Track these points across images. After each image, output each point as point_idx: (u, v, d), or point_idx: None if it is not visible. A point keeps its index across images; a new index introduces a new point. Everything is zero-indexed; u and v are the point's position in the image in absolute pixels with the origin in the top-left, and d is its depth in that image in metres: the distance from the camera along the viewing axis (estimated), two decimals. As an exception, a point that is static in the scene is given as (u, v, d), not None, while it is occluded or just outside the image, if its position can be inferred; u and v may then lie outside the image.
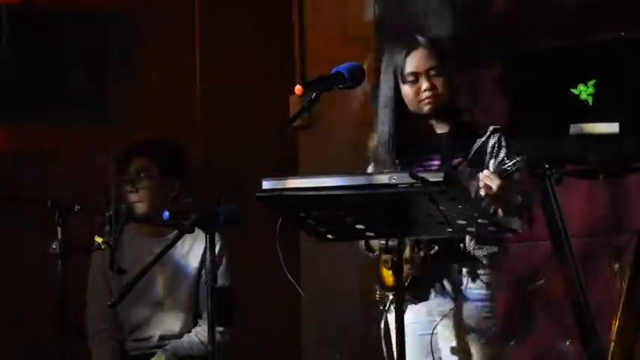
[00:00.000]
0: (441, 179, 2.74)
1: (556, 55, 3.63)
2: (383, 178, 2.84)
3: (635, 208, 3.87)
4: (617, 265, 3.74)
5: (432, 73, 3.50)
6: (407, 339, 3.46)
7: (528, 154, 3.55)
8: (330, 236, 3.14)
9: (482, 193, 3.27)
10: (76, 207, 3.73)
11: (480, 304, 3.51)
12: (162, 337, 4.15)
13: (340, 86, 3.29)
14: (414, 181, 2.74)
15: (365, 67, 3.33)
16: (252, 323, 4.43)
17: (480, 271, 3.52)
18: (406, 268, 3.45)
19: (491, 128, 3.52)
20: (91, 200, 4.02)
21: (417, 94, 3.51)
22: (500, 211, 3.33)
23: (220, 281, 3.95)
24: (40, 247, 3.65)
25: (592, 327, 3.72)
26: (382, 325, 3.56)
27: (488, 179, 3.27)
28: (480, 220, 2.92)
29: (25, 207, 4.26)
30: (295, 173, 5.24)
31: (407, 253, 3.42)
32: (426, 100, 3.51)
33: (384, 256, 3.45)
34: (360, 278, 5.23)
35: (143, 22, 5.12)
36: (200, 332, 4.13)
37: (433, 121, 3.56)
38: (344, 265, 5.20)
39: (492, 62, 3.94)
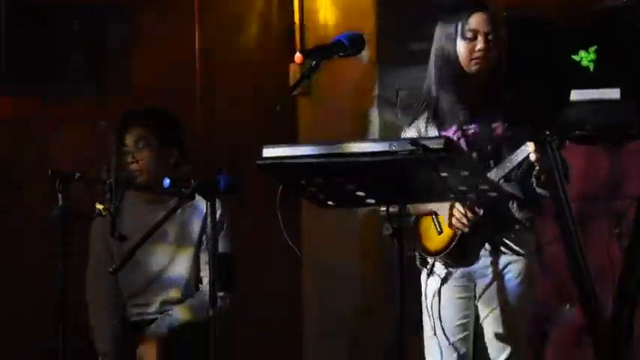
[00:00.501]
0: (441, 146, 2.71)
1: (558, 22, 3.60)
2: (383, 146, 2.80)
3: (634, 175, 3.85)
4: (617, 231, 3.73)
5: (490, 37, 3.59)
6: (446, 302, 3.67)
7: (530, 120, 3.56)
8: (330, 203, 3.11)
9: (532, 158, 3.38)
10: (77, 175, 3.71)
11: (518, 267, 3.61)
12: (163, 303, 4.13)
13: (340, 54, 3.28)
14: (415, 148, 2.71)
15: (364, 36, 3.31)
16: (252, 291, 4.42)
17: (522, 234, 3.62)
18: (451, 229, 3.58)
19: None
20: (92, 169, 4.01)
21: (471, 52, 3.60)
22: (543, 176, 3.44)
23: (221, 248, 3.95)
24: (41, 247, 3.63)
25: (592, 291, 3.71)
26: (423, 289, 3.70)
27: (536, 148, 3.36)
28: (480, 187, 2.90)
29: (26, 178, 4.24)
30: (295, 141, 5.22)
31: (457, 211, 3.52)
32: (478, 60, 3.60)
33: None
34: (359, 248, 5.24)
35: (142, 5, 5.09)
36: (202, 298, 4.10)
37: (480, 85, 3.62)
38: (344, 236, 5.20)
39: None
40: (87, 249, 4.18)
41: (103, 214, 3.76)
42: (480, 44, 3.59)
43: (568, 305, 4.44)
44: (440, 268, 3.70)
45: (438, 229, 3.65)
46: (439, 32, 3.67)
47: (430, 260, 3.70)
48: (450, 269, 3.68)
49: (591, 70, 3.51)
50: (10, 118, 4.67)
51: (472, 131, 3.62)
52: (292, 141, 5.18)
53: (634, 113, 3.57)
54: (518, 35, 3.67)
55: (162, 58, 5.04)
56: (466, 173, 2.82)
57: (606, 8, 3.85)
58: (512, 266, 3.62)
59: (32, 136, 4.65)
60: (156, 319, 4.10)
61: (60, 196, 3.53)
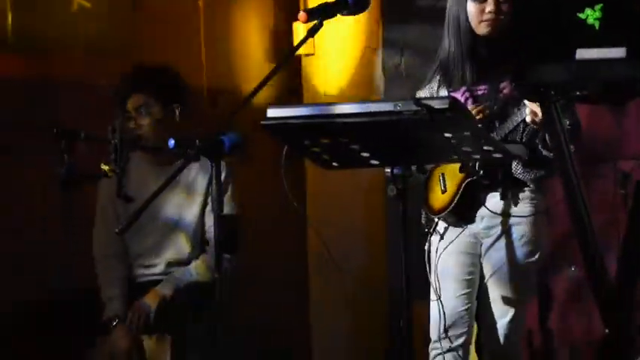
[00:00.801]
0: (446, 106, 2.72)
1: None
2: (388, 106, 2.80)
3: (637, 134, 3.84)
4: (622, 192, 3.73)
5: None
6: (451, 257, 3.70)
7: (534, 79, 3.53)
8: (335, 164, 3.12)
9: (528, 119, 3.41)
10: (82, 134, 3.71)
11: (523, 229, 3.63)
12: (169, 264, 4.14)
13: (344, 12, 3.26)
14: (419, 108, 2.70)
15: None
16: (258, 250, 4.43)
17: (527, 195, 3.63)
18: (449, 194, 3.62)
19: None
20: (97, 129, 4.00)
21: (480, 13, 3.61)
22: (547, 136, 3.43)
23: (226, 209, 3.93)
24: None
25: (596, 253, 3.70)
26: (427, 247, 3.73)
27: (535, 110, 3.37)
28: (485, 147, 2.90)
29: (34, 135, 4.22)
30: (300, 101, 5.21)
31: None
32: (488, 22, 3.61)
33: (453, 183, 3.63)
34: (363, 207, 5.25)
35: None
36: (207, 259, 4.11)
37: (489, 47, 3.63)
38: (349, 197, 5.21)
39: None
40: (93, 209, 4.18)
41: (109, 174, 3.76)
42: (489, 6, 3.59)
43: (573, 267, 4.44)
44: (444, 228, 3.73)
45: (442, 188, 3.67)
46: None
47: (435, 219, 3.73)
48: (456, 228, 3.70)
49: (596, 28, 3.47)
50: (20, 77, 4.66)
51: (480, 92, 3.63)
52: (297, 101, 5.17)
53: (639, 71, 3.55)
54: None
55: (166, 17, 5.01)
56: (469, 134, 2.82)
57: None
58: (516, 228, 3.64)
59: (40, 95, 4.63)
60: (161, 280, 4.11)
61: (65, 156, 3.52)
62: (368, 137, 2.90)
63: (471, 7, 3.62)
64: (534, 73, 3.58)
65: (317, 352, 5.40)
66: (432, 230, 3.73)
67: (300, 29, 5.14)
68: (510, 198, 3.62)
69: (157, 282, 4.10)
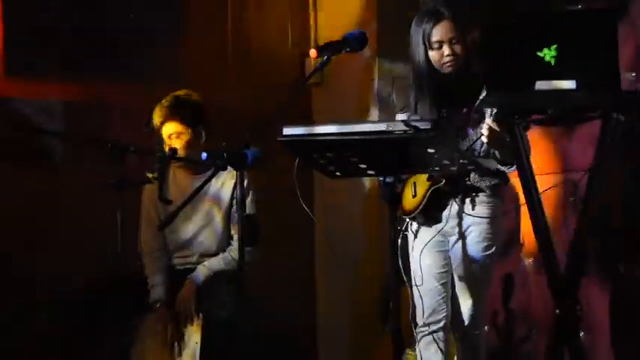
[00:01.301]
0: (429, 127, 2.74)
1: (526, 24, 3.59)
2: (382, 126, 2.82)
3: (585, 151, 3.86)
4: (572, 199, 3.73)
5: (454, 41, 3.53)
6: (426, 254, 3.63)
7: (501, 105, 3.55)
8: (338, 174, 3.13)
9: (484, 139, 3.31)
10: (131, 148, 3.73)
11: (481, 228, 3.57)
12: (202, 255, 4.17)
13: (347, 49, 3.29)
14: (407, 128, 2.74)
15: (367, 34, 3.32)
16: (272, 245, 4.43)
17: (484, 199, 3.57)
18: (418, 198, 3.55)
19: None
20: (143, 143, 4.04)
21: (440, 59, 3.54)
22: (497, 152, 3.39)
23: (248, 210, 3.99)
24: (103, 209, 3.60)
25: (551, 251, 3.72)
26: (399, 243, 3.63)
27: (491, 125, 3.30)
28: (461, 161, 2.92)
29: (91, 148, 4.26)
30: (310, 122, 5.23)
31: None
32: (448, 64, 3.54)
33: (422, 189, 3.56)
34: (363, 209, 5.25)
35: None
36: (232, 251, 4.14)
37: (452, 80, 3.57)
38: (350, 202, 5.20)
39: (471, 29, 3.92)
40: (140, 209, 4.21)
41: (153, 181, 3.80)
42: (446, 51, 3.53)
43: (531, 260, 4.45)
44: (417, 228, 3.67)
45: (414, 193, 3.62)
46: (412, 39, 3.60)
47: (406, 219, 3.67)
48: (426, 227, 3.64)
49: (552, 64, 3.50)
50: (73, 101, 4.69)
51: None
52: (307, 122, 5.19)
53: (586, 101, 3.57)
54: (493, 34, 3.66)
55: (202, 50, 5.04)
56: (448, 150, 2.85)
57: (566, 12, 3.85)
58: (475, 227, 3.58)
59: (94, 117, 4.66)
60: (195, 268, 4.13)
61: (118, 165, 3.55)
62: (365, 152, 2.91)
63: (432, 54, 3.54)
64: (501, 100, 3.61)
65: (321, 340, 5.38)
66: (403, 229, 3.67)
67: (311, 62, 5.15)
68: (469, 202, 3.57)
69: (191, 270, 4.12)
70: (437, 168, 2.97)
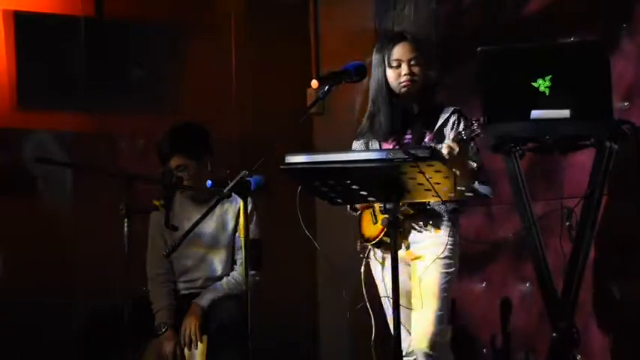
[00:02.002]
0: (428, 155, 2.75)
1: (521, 55, 3.61)
2: (382, 154, 2.85)
3: (580, 178, 3.87)
4: (567, 224, 3.73)
5: (412, 62, 3.52)
6: (388, 279, 3.49)
7: (497, 134, 3.56)
8: (339, 200, 3.14)
9: (444, 152, 3.28)
10: (138, 176, 3.73)
11: (439, 250, 3.48)
12: (207, 279, 4.16)
13: (347, 80, 3.31)
14: (407, 156, 2.74)
15: (367, 65, 3.35)
16: (275, 270, 4.43)
17: (444, 224, 3.51)
18: (378, 225, 3.48)
19: (451, 109, 3.55)
20: (150, 172, 4.06)
21: (397, 78, 3.52)
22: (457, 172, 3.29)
23: (252, 235, 3.98)
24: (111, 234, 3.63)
25: (547, 274, 3.72)
26: (362, 269, 3.59)
27: (451, 145, 3.29)
28: (459, 188, 2.92)
29: (99, 177, 4.28)
30: (311, 151, 5.23)
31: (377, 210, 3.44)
32: (404, 83, 3.52)
33: (382, 216, 3.46)
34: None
35: (190, 31, 5.11)
36: (236, 276, 4.14)
37: (406, 102, 3.55)
38: (349, 225, 5.21)
39: (469, 61, 3.95)
40: (147, 235, 4.22)
41: (159, 208, 3.80)
42: (404, 70, 3.50)
43: (528, 284, 4.44)
44: (382, 256, 3.59)
45: (374, 219, 3.56)
46: (373, 61, 3.59)
47: (368, 246, 3.59)
48: (385, 254, 3.56)
49: (547, 94, 3.52)
50: (86, 131, 4.73)
51: (407, 141, 3.55)
52: (309, 150, 5.19)
53: (580, 129, 3.58)
54: (490, 66, 3.69)
55: (205, 82, 5.06)
56: (446, 177, 2.85)
57: (560, 44, 3.88)
58: (433, 250, 3.49)
59: (104, 146, 4.69)
60: (200, 292, 4.12)
61: (125, 194, 3.55)
62: (366, 179, 2.91)
63: (390, 73, 3.53)
64: (499, 128, 3.63)
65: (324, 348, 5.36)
66: (366, 256, 3.60)
67: (312, 93, 5.16)
68: (427, 226, 3.51)
69: (196, 294, 4.11)
70: (435, 195, 2.95)
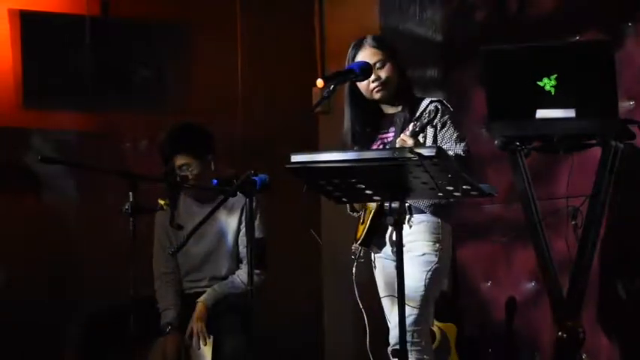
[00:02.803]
0: (433, 154, 2.73)
1: (526, 54, 3.61)
2: (388, 153, 2.83)
3: (585, 177, 3.86)
4: (573, 223, 3.72)
5: (378, 66, 3.42)
6: (381, 280, 3.54)
7: (503, 134, 3.54)
8: (344, 199, 3.13)
9: (398, 144, 3.22)
10: (143, 176, 3.73)
11: (421, 245, 3.41)
12: (212, 279, 4.15)
13: (353, 79, 3.31)
14: (412, 155, 2.72)
15: (371, 64, 3.34)
16: (280, 268, 4.43)
17: (423, 219, 3.41)
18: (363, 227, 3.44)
19: (429, 99, 3.44)
20: (155, 172, 4.05)
21: (368, 85, 3.43)
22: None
23: (256, 234, 3.99)
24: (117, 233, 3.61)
25: (554, 274, 3.71)
26: (354, 270, 3.50)
27: (404, 139, 3.22)
28: (464, 187, 2.90)
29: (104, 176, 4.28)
30: (317, 150, 5.23)
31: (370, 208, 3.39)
32: (376, 89, 3.43)
33: (369, 215, 3.44)
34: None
35: (195, 30, 5.11)
36: (241, 275, 4.14)
37: (385, 105, 3.49)
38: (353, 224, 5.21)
39: (474, 61, 3.94)
40: (152, 234, 4.20)
41: (164, 208, 3.80)
42: (372, 76, 3.38)
43: (533, 283, 4.44)
44: (373, 257, 3.55)
45: (362, 220, 3.51)
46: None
47: (355, 246, 3.52)
48: (378, 255, 3.51)
49: (552, 93, 3.51)
50: (91, 130, 4.73)
51: (390, 138, 3.47)
52: (314, 150, 5.19)
53: (585, 128, 3.57)
54: (495, 65, 3.68)
55: (210, 81, 5.06)
56: (451, 176, 2.84)
57: (565, 44, 3.88)
58: (414, 245, 3.40)
59: (109, 145, 4.69)
60: (205, 291, 4.11)
61: (130, 194, 3.52)
62: (371, 178, 2.90)
63: (361, 84, 3.43)
64: (504, 127, 3.62)
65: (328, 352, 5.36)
66: (357, 257, 3.50)
67: (317, 91, 5.16)
68: (409, 222, 3.39)
69: (201, 293, 4.10)
70: (440, 194, 2.94)
